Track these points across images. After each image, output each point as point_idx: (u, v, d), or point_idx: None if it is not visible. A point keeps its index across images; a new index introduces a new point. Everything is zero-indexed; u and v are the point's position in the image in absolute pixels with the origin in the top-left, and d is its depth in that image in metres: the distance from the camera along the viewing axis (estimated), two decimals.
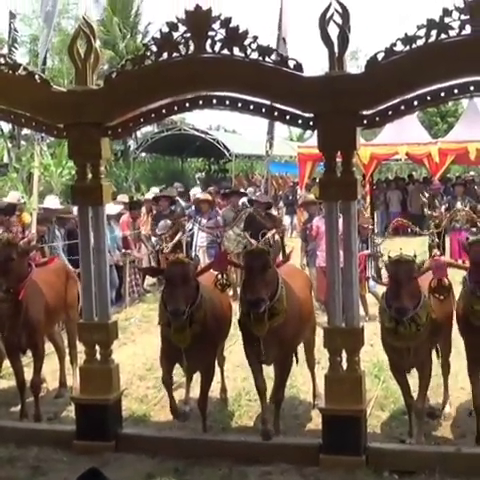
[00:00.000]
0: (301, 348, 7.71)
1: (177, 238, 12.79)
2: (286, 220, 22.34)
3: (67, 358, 8.80)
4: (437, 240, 6.99)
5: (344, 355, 6.60)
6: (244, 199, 16.19)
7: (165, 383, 7.12)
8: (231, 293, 10.77)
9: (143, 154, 34.59)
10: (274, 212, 15.29)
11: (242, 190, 19.89)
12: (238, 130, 48.21)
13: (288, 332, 6.75)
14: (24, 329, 7.54)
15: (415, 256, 6.49)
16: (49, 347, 8.55)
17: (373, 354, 8.61)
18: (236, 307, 7.71)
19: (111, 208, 12.13)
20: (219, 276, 6.99)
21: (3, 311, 7.41)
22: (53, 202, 12.80)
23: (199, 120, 55.66)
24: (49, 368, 8.71)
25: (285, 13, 18.78)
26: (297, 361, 7.62)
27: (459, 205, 14.99)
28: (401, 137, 21.96)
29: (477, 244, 6.58)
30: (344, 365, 6.59)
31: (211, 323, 6.85)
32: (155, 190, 19.19)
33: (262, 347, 6.63)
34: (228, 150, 29.99)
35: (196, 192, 18.53)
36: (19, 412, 7.74)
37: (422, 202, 13.45)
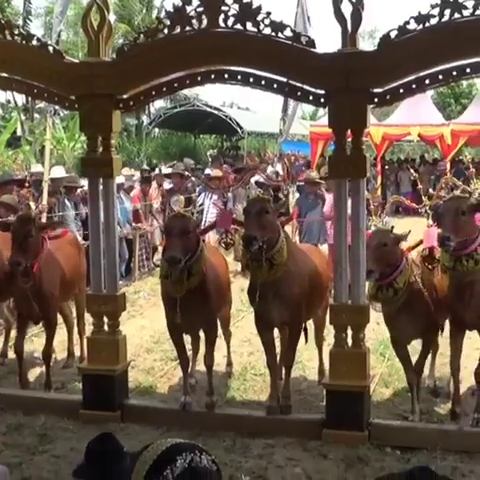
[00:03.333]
0: (309, 325, 7.73)
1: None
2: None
3: (75, 329, 8.88)
4: (429, 211, 7.07)
5: (349, 332, 6.66)
6: (256, 178, 16.09)
7: (182, 364, 7.22)
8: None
9: (156, 130, 34.56)
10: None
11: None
12: (252, 108, 47.94)
13: (293, 291, 6.73)
14: (37, 301, 7.61)
15: (392, 227, 6.76)
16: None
17: (379, 332, 8.64)
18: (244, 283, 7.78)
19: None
20: (223, 235, 7.06)
21: (23, 285, 7.53)
22: (58, 171, 12.81)
23: (212, 97, 55.58)
24: (57, 339, 8.77)
25: None
26: (306, 340, 7.64)
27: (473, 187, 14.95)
28: (414, 118, 21.87)
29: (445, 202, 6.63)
30: (349, 342, 6.66)
31: (210, 281, 6.90)
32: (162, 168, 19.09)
33: (257, 296, 6.62)
34: (241, 127, 29.91)
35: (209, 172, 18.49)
36: (19, 378, 7.86)
37: (414, 177, 13.49)
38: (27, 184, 11.36)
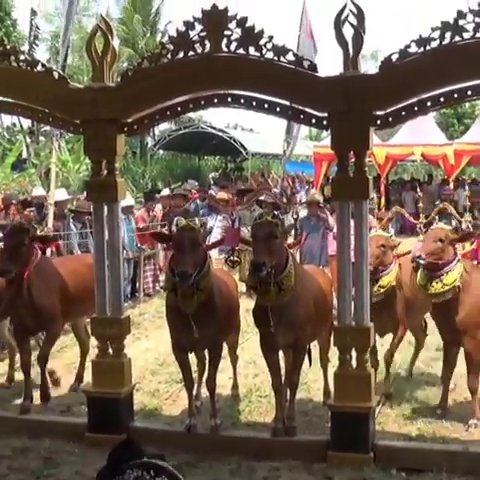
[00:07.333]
0: (314, 346, 7.73)
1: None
2: None
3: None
4: (423, 229, 8.08)
5: (354, 353, 6.66)
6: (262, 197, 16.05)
7: (187, 385, 7.20)
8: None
9: (160, 151, 34.72)
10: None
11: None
12: (256, 129, 48.07)
13: (299, 314, 6.73)
14: (30, 310, 7.61)
15: (391, 235, 8.26)
16: (64, 341, 8.63)
17: (384, 353, 8.64)
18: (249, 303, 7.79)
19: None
20: (229, 252, 7.10)
21: (8, 293, 7.56)
22: (61, 194, 12.85)
23: (217, 118, 55.79)
24: (64, 362, 8.79)
25: (307, 13, 18.70)
26: (310, 363, 7.61)
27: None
28: (417, 138, 21.91)
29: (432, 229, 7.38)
30: (354, 363, 6.66)
31: (218, 298, 6.90)
32: (166, 191, 19.26)
33: (271, 319, 6.61)
34: (245, 149, 30.05)
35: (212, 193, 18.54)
36: (23, 394, 7.77)
37: (417, 197, 13.93)
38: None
